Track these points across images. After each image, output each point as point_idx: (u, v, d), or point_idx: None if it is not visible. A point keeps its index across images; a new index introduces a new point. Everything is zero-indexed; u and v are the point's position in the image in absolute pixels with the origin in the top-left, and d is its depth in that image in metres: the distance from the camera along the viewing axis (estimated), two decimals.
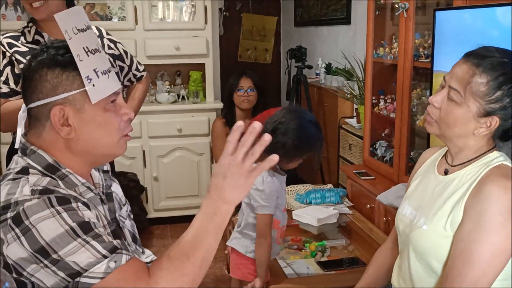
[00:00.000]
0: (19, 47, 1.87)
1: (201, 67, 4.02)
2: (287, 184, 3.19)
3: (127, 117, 1.22)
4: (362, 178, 2.80)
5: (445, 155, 1.46)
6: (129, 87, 2.24)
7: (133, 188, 3.71)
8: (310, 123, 1.95)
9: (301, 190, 3.11)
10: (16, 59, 1.86)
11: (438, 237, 1.32)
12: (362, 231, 2.59)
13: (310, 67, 3.94)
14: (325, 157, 3.98)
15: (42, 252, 1.02)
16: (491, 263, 1.21)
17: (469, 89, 1.27)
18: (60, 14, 1.11)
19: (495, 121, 1.28)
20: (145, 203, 3.89)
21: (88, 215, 1.09)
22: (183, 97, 4.02)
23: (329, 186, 3.20)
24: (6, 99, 1.86)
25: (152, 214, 3.93)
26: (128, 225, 1.38)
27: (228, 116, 3.60)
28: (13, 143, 2.01)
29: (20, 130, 1.19)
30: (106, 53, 2.00)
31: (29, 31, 1.91)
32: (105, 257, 1.05)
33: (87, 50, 1.13)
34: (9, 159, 2.05)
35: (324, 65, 4.16)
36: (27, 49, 1.85)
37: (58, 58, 1.14)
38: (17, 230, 1.03)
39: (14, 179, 1.12)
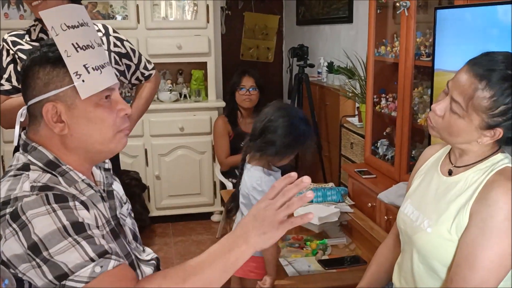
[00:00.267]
0: (22, 45, 1.89)
1: (203, 65, 4.02)
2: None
3: (123, 113, 1.22)
4: (364, 176, 2.80)
5: (448, 154, 1.45)
6: (138, 86, 2.22)
7: (135, 186, 3.72)
8: (299, 120, 1.96)
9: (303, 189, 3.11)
10: (18, 57, 1.88)
11: (443, 240, 1.32)
12: (363, 229, 2.59)
13: (312, 65, 3.94)
14: (326, 155, 3.98)
15: (34, 249, 1.02)
16: (496, 268, 1.21)
17: (471, 104, 1.25)
18: (46, 11, 1.12)
19: (498, 132, 1.26)
20: (147, 201, 3.90)
21: (84, 215, 1.09)
22: (185, 96, 4.02)
23: (331, 184, 3.19)
24: (8, 96, 1.88)
25: (154, 213, 3.94)
26: (129, 223, 1.38)
27: (230, 114, 3.61)
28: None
29: (17, 128, 1.20)
30: (112, 51, 1.99)
31: (34, 29, 1.92)
32: (92, 260, 1.03)
33: (76, 46, 1.13)
34: None
35: (326, 63, 4.17)
36: (30, 47, 1.87)
37: (49, 55, 1.15)
38: (14, 226, 1.03)
39: (15, 176, 1.13)
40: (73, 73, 1.13)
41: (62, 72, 1.14)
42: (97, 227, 1.13)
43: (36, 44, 1.88)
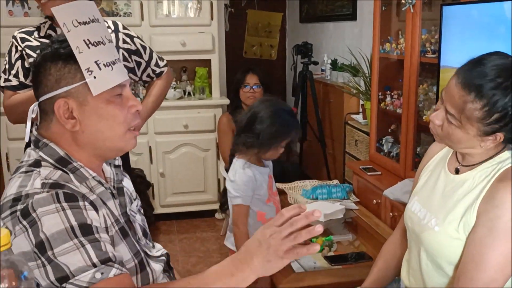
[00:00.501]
0: (31, 41, 1.90)
1: (207, 63, 4.02)
2: (293, 180, 3.22)
3: (134, 109, 1.21)
4: (369, 173, 2.81)
5: (455, 152, 1.44)
6: (149, 83, 2.19)
7: (140, 183, 3.72)
8: (283, 110, 1.99)
9: (308, 186, 3.12)
10: (26, 53, 1.89)
11: (450, 239, 1.32)
12: (369, 226, 2.59)
13: (316, 63, 3.95)
14: (330, 153, 3.99)
15: (40, 247, 1.02)
16: (503, 267, 1.21)
17: (464, 116, 1.24)
18: (58, 8, 1.11)
19: (499, 137, 1.25)
20: (151, 199, 3.91)
21: (93, 216, 1.09)
22: (189, 93, 4.02)
23: (335, 181, 3.20)
24: (15, 91, 1.89)
25: (158, 210, 3.94)
26: (139, 219, 1.38)
27: (234, 112, 3.60)
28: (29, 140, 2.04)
29: (29, 124, 1.19)
30: (121, 47, 1.99)
31: (43, 26, 1.93)
32: (94, 265, 1.03)
33: (88, 43, 1.13)
34: None
35: (329, 61, 4.17)
36: (38, 44, 1.88)
37: (60, 51, 1.15)
38: (24, 223, 1.03)
39: (26, 172, 1.13)
40: (85, 70, 1.13)
41: (74, 68, 1.14)
42: (106, 228, 1.13)
43: (44, 40, 1.89)
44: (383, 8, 2.88)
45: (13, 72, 1.90)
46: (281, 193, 2.45)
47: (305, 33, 5.08)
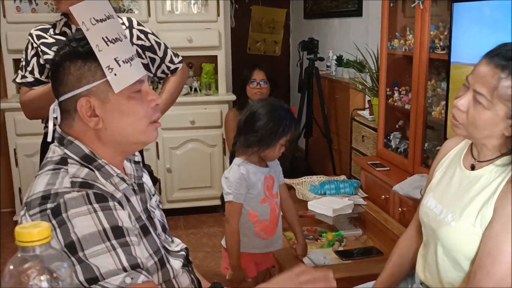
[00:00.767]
0: (46, 38, 1.91)
1: (213, 59, 4.03)
2: (300, 175, 3.24)
3: (154, 104, 1.23)
4: (377, 169, 2.82)
5: (470, 148, 1.45)
6: (164, 80, 2.19)
7: None
8: (280, 108, 1.99)
9: (315, 181, 3.14)
10: (41, 50, 1.91)
11: (467, 234, 1.33)
12: (377, 221, 2.61)
13: (321, 59, 3.96)
14: (336, 149, 4.00)
15: (71, 248, 1.02)
16: None
17: (496, 94, 1.25)
18: (76, 6, 1.12)
19: None
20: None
21: (123, 216, 1.10)
22: (195, 89, 4.04)
23: (343, 177, 3.22)
24: (30, 87, 1.92)
25: (165, 206, 3.95)
26: (158, 215, 1.39)
27: (241, 108, 3.61)
28: (45, 135, 2.05)
29: (51, 124, 1.20)
30: (135, 44, 2.00)
31: (59, 23, 1.95)
32: (125, 270, 1.04)
33: (106, 40, 1.14)
34: (42, 151, 2.08)
35: (335, 57, 4.18)
36: (54, 41, 1.89)
37: (79, 50, 1.15)
38: (54, 222, 1.04)
39: (54, 169, 1.14)
40: (106, 67, 1.13)
41: (94, 66, 1.15)
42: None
43: (60, 37, 1.91)
44: (391, 5, 2.89)
45: (29, 68, 1.92)
46: (289, 188, 2.45)
47: (309, 29, 5.09)
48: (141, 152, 1.37)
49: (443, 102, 2.52)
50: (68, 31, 1.91)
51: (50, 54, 1.86)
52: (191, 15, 3.98)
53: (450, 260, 1.39)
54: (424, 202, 1.51)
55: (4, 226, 3.84)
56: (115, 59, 1.15)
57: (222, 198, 2.10)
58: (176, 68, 2.15)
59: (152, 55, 2.06)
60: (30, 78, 1.92)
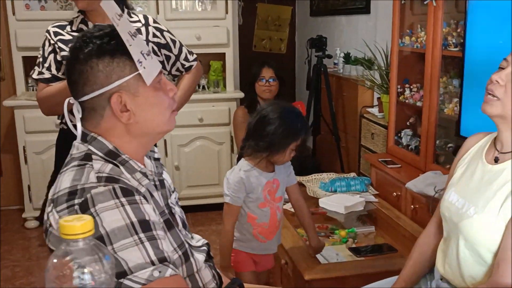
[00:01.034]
0: (63, 35, 1.92)
1: (221, 56, 4.03)
2: (308, 173, 3.24)
3: (173, 93, 1.24)
4: (389, 166, 2.83)
5: (494, 142, 1.46)
6: (179, 77, 2.20)
7: None
8: (291, 112, 1.95)
9: (325, 179, 3.15)
10: (58, 47, 1.91)
11: (490, 227, 1.33)
12: (390, 218, 2.62)
13: (330, 56, 3.96)
14: (343, 146, 4.01)
15: (100, 241, 1.02)
16: None
17: None
18: (105, 3, 1.13)
19: None
20: None
21: (149, 210, 1.11)
22: (203, 87, 4.04)
23: (353, 174, 3.23)
24: (47, 84, 1.92)
25: None
26: (178, 211, 1.40)
27: (250, 105, 3.61)
28: (61, 132, 2.06)
29: (79, 124, 1.18)
30: (151, 41, 2.00)
31: (76, 20, 1.95)
32: (152, 263, 1.05)
33: (131, 34, 1.15)
34: (58, 146, 2.09)
35: (342, 54, 4.18)
36: (71, 37, 1.90)
37: (105, 47, 1.15)
38: None
39: (78, 166, 1.14)
40: (137, 61, 1.14)
41: (122, 61, 1.15)
42: None
43: (76, 34, 1.91)
44: (402, 2, 2.89)
45: (46, 65, 1.92)
46: (300, 185, 2.42)
47: (315, 27, 5.09)
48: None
49: (456, 99, 2.52)
50: (85, 28, 1.92)
51: (67, 51, 1.87)
52: (199, 12, 3.99)
53: (472, 254, 1.40)
54: (445, 197, 1.52)
55: (13, 223, 3.85)
56: (141, 52, 1.16)
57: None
58: (191, 66, 2.15)
59: (167, 53, 2.06)
60: (47, 75, 1.92)
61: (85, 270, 0.76)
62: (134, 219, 1.06)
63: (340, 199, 2.80)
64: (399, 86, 2.95)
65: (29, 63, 3.80)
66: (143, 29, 2.00)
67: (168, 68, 2.10)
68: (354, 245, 2.39)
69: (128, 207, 1.07)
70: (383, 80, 3.29)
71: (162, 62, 2.06)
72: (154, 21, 2.06)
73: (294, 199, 2.15)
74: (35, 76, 1.94)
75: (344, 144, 4.02)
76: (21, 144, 3.62)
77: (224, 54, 3.99)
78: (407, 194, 2.62)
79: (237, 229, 2.02)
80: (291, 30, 5.79)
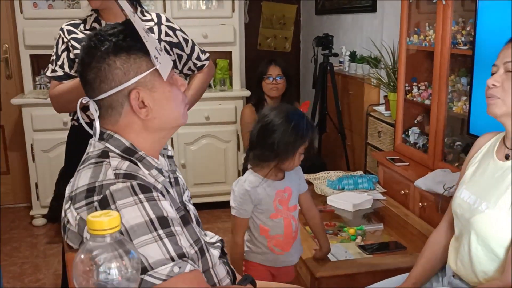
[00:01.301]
0: (77, 34, 1.93)
1: (227, 55, 4.04)
2: (316, 171, 3.25)
3: (184, 88, 1.27)
4: (397, 164, 2.83)
5: (503, 140, 1.47)
6: (190, 76, 2.20)
7: None
8: (294, 113, 1.84)
9: (332, 177, 3.15)
10: (72, 45, 1.93)
11: (502, 221, 1.35)
12: (398, 216, 2.62)
13: (336, 55, 3.96)
14: (349, 144, 4.01)
15: None
16: None
17: None
18: (122, 2, 1.16)
19: None
20: None
21: (167, 207, 1.12)
22: (210, 85, 4.04)
23: (360, 172, 3.23)
24: (60, 81, 1.93)
25: None
26: (191, 208, 1.41)
27: (257, 103, 3.62)
28: (72, 129, 2.07)
29: (97, 123, 1.18)
30: (163, 40, 2.01)
31: (89, 19, 1.96)
32: (172, 259, 1.06)
33: (145, 31, 1.17)
34: (68, 143, 2.10)
35: (348, 53, 4.18)
36: (84, 36, 1.91)
37: (121, 44, 1.16)
38: None
39: (96, 163, 1.15)
40: (153, 57, 1.16)
41: (138, 57, 1.16)
42: None
43: (89, 33, 1.92)
44: (410, 0, 2.89)
45: (59, 63, 1.94)
46: (307, 183, 2.40)
47: (320, 25, 5.09)
48: None
49: (464, 98, 2.52)
50: (98, 26, 1.93)
51: None
52: (206, 11, 3.99)
53: (484, 249, 1.41)
54: (457, 195, 1.53)
55: (21, 221, 3.87)
56: (156, 48, 1.18)
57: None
58: (203, 65, 2.15)
59: (179, 52, 2.06)
60: (60, 72, 1.94)
61: (112, 265, 0.77)
62: (153, 216, 1.07)
63: (348, 197, 2.81)
64: (407, 84, 2.95)
65: (37, 61, 3.82)
66: (155, 28, 2.01)
67: (180, 67, 2.10)
68: (362, 243, 2.39)
69: (146, 204, 1.08)
70: (389, 78, 3.29)
71: (173, 61, 2.07)
72: (167, 20, 2.06)
73: (305, 209, 2.05)
74: (48, 73, 1.95)
75: (349, 142, 4.02)
76: (29, 142, 3.63)
77: (230, 52, 4.00)
78: (415, 192, 2.63)
79: (251, 242, 1.94)
80: (296, 28, 5.79)
